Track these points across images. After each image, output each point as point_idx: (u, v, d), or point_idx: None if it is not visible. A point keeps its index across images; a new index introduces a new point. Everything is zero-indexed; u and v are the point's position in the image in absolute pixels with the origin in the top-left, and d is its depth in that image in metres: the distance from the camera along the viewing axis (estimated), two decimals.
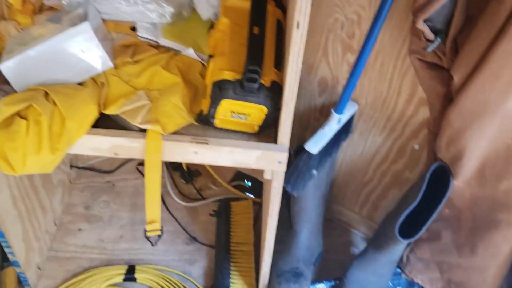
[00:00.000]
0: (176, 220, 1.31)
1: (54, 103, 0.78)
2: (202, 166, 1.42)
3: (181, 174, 1.40)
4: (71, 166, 1.39)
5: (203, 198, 1.37)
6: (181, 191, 1.38)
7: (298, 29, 0.68)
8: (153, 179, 0.84)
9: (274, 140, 0.85)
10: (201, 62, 0.92)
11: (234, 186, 1.37)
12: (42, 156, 0.77)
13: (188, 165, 1.40)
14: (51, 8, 0.97)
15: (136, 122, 0.80)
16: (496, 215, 0.95)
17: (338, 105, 0.99)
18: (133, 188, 1.38)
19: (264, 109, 0.80)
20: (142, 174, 1.40)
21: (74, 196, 1.36)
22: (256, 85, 0.77)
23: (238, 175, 1.39)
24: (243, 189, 1.37)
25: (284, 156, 0.82)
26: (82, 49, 0.82)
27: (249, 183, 1.38)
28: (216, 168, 1.37)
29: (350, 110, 1.06)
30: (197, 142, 0.82)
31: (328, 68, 1.08)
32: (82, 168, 1.41)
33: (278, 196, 0.90)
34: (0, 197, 0.98)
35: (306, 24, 0.68)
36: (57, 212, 1.29)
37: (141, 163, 1.42)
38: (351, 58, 1.04)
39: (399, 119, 1.08)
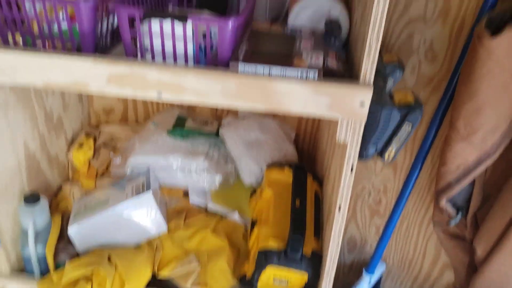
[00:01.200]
0: None
1: (115, 265, 0.85)
2: None
3: None
4: None
5: None
6: None
7: (339, 211, 0.78)
8: None
9: None
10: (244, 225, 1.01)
11: None
12: None
13: None
14: None
15: (187, 286, 0.87)
16: None
17: (369, 266, 1.06)
18: None
19: (305, 276, 0.87)
20: None
21: None
22: (299, 254, 0.85)
23: None
24: None
25: None
26: (142, 215, 0.92)
27: None
28: None
29: (379, 269, 1.12)
30: None
31: (357, 229, 1.17)
32: None
33: None
34: None
35: (346, 207, 0.78)
36: None
37: None
38: (378, 221, 1.13)
39: (425, 280, 1.14)
